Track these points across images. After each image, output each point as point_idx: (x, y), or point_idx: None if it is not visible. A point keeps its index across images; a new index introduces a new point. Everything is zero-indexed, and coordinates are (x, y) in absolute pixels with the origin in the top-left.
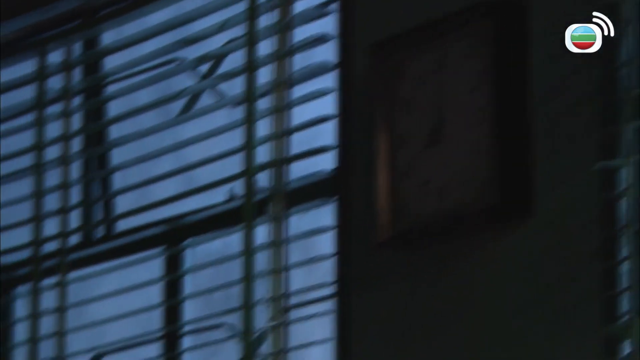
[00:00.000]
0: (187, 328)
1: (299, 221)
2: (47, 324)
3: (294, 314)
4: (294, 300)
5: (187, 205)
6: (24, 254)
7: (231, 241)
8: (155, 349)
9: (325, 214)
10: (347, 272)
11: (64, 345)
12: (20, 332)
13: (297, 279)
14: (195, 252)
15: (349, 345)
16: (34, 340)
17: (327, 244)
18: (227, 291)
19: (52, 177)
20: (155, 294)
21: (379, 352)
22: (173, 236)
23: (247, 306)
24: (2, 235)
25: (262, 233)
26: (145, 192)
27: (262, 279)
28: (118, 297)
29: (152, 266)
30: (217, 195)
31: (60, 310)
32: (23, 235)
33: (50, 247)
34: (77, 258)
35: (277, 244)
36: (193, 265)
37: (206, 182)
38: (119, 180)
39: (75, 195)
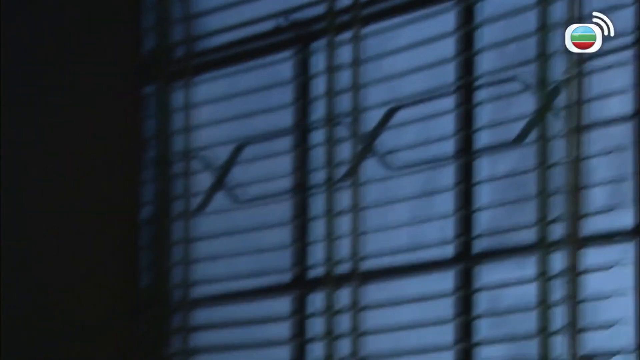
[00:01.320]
0: (481, 80)
1: None
2: (344, 78)
3: (592, 64)
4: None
5: None
6: (320, 9)
7: None
8: (450, 102)
9: None
10: None
11: (360, 99)
12: (318, 85)
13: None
14: (490, 3)
15: None
16: (330, 93)
17: None
18: (522, 42)
19: None
20: (449, 46)
21: None
22: None
23: (542, 57)
24: None
25: None
26: None
27: (557, 29)
28: (413, 50)
29: (445, 19)
30: None
31: (356, 64)
32: None
33: (344, 1)
34: (372, 12)
35: None
36: (487, 18)
37: None
38: None
39: None
